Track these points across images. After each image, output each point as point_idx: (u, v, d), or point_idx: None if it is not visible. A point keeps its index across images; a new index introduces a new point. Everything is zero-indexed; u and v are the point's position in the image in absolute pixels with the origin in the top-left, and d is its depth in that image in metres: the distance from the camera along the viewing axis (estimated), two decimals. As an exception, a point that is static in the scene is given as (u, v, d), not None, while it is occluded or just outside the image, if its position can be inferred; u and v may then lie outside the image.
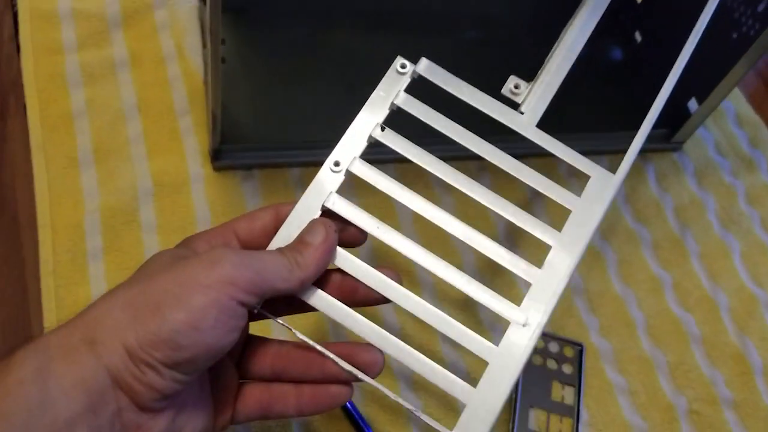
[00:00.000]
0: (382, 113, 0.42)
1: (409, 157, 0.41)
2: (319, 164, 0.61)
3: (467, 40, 0.69)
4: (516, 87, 0.43)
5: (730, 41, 0.58)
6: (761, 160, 0.68)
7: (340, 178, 0.40)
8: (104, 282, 0.51)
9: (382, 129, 0.41)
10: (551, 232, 0.40)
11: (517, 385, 0.52)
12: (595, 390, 0.53)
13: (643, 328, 0.57)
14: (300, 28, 0.66)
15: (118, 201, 0.55)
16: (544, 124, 0.65)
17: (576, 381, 0.53)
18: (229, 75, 0.61)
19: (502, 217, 0.41)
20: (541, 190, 0.41)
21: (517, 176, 0.41)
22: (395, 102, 0.42)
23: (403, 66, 0.43)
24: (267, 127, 0.60)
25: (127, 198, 0.55)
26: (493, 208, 0.41)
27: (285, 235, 0.37)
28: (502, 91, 0.43)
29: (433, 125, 0.42)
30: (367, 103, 0.42)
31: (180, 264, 0.32)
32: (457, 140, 0.42)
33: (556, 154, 0.42)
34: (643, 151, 0.66)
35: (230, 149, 0.57)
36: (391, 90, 0.42)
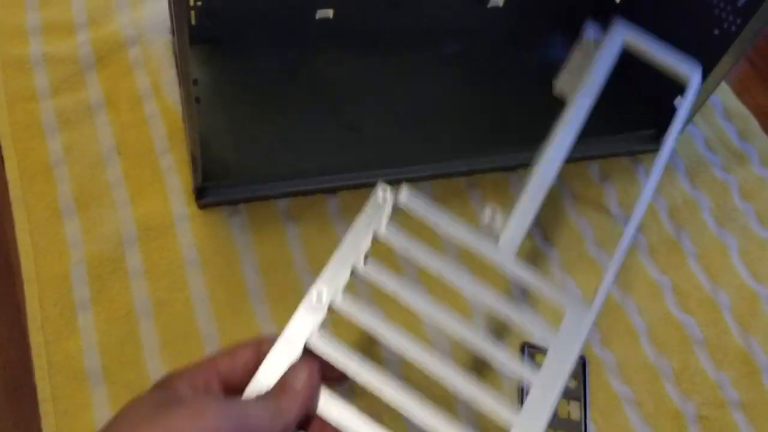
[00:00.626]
0: (366, 242, 0.41)
1: (391, 291, 0.40)
2: (306, 193, 0.60)
3: (448, 54, 0.69)
4: (492, 217, 0.43)
5: (711, 38, 0.57)
6: (752, 152, 0.67)
7: (322, 313, 0.38)
8: (94, 333, 0.50)
9: (365, 259, 0.40)
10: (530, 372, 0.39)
11: (521, 401, 0.51)
12: (601, 403, 0.53)
13: (646, 335, 0.56)
14: (276, 56, 0.65)
15: (103, 249, 0.54)
16: (531, 133, 0.64)
17: (581, 395, 0.52)
18: (207, 109, 0.60)
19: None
20: (518, 324, 0.40)
21: (494, 308, 0.40)
22: (378, 234, 0.41)
23: (384, 190, 0.42)
24: (250, 159, 0.59)
25: (112, 245, 0.54)
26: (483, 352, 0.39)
27: (266, 376, 0.36)
28: (480, 223, 0.43)
29: (414, 258, 0.41)
30: (350, 230, 0.41)
31: (163, 415, 0.32)
32: (439, 274, 0.41)
33: (533, 287, 0.41)
34: (633, 153, 0.65)
35: (214, 186, 0.57)
36: (375, 217, 0.42)
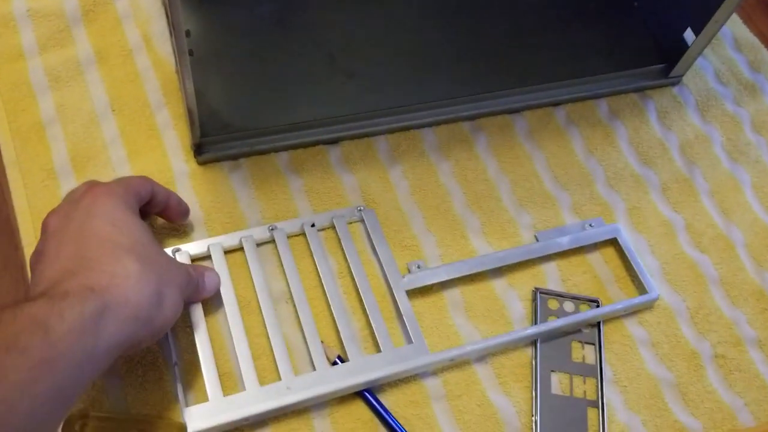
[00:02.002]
0: None
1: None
2: (306, 145, 0.58)
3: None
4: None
5: (723, -35, 0.55)
6: (764, 83, 0.65)
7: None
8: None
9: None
10: None
11: (535, 350, 0.50)
12: (616, 346, 0.52)
13: (659, 275, 0.55)
14: (268, 4, 0.63)
15: (103, 210, 0.52)
16: (536, 76, 0.62)
17: (595, 339, 0.52)
18: (201, 62, 0.58)
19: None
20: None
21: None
22: None
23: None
24: (249, 113, 0.57)
25: (112, 205, 0.53)
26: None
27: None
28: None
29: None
30: None
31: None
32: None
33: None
34: (642, 89, 0.63)
35: (213, 141, 0.55)
36: None
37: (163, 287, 0.40)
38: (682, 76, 0.64)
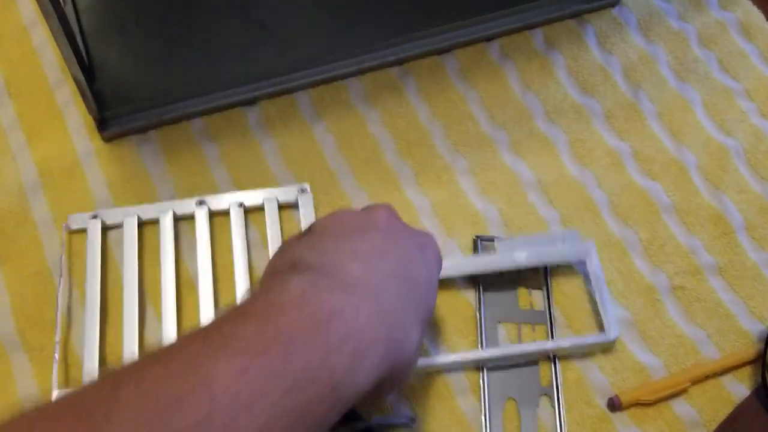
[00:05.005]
0: None
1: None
2: (221, 109, 0.54)
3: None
4: None
5: None
6: (709, -6, 0.61)
7: None
8: (6, 293, 0.46)
9: None
10: None
11: (479, 300, 0.47)
12: (565, 288, 0.49)
13: (608, 208, 0.51)
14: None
15: (4, 202, 0.49)
16: (465, 10, 0.57)
17: (543, 283, 0.49)
18: (96, 32, 0.54)
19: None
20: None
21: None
22: None
23: None
24: (154, 79, 0.53)
25: (14, 197, 0.49)
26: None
27: None
28: None
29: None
30: None
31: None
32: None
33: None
34: (579, 14, 0.59)
35: (117, 114, 0.51)
36: None
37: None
38: (619, -5, 0.59)
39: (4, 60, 0.54)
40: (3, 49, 0.54)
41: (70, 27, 0.44)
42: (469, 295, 0.48)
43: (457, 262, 0.47)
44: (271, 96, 0.54)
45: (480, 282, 0.48)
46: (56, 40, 0.41)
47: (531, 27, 0.58)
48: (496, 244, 0.48)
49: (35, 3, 0.54)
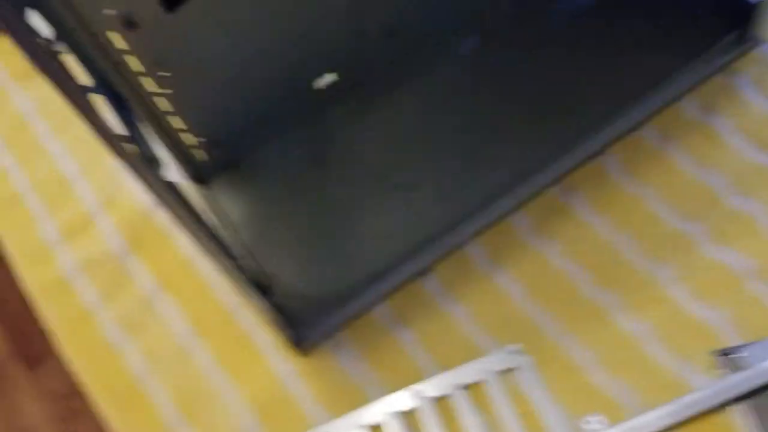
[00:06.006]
0: None
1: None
2: (399, 288, 0.52)
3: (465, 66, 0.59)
4: None
5: None
6: None
7: None
8: None
9: None
10: None
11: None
12: None
13: None
14: (296, 147, 0.58)
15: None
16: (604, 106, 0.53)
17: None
18: (258, 240, 0.54)
19: None
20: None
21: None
22: None
23: None
24: (327, 278, 0.52)
25: (234, 440, 0.49)
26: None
27: None
28: None
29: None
30: None
31: None
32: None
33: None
34: (723, 68, 0.55)
35: (304, 324, 0.50)
36: None
37: None
38: (759, 33, 0.55)
39: (181, 301, 0.55)
40: (176, 290, 0.55)
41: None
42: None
43: (707, 393, 0.43)
44: (441, 258, 0.52)
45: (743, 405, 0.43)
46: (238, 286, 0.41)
47: (678, 99, 0.55)
48: (745, 354, 0.44)
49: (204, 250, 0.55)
